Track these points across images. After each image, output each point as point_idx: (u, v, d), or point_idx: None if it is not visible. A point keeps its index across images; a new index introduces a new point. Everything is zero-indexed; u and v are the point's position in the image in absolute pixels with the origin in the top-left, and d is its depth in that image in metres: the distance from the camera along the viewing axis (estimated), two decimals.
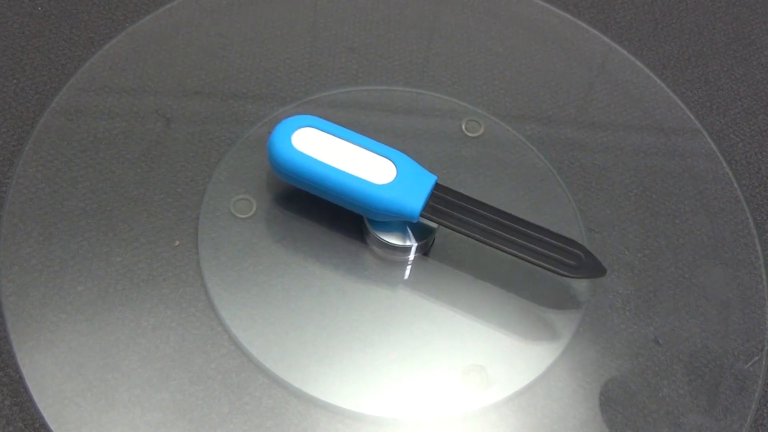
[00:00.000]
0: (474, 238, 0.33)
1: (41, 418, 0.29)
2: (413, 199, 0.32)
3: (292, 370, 0.31)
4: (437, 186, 0.33)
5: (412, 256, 0.35)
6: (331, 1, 0.44)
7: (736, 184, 0.40)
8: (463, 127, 0.39)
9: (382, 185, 0.32)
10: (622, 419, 0.32)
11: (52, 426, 0.29)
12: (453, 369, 0.32)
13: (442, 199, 0.33)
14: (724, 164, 0.40)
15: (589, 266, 0.33)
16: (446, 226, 0.33)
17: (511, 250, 0.32)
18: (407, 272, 0.35)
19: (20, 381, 0.30)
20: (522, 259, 0.32)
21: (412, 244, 0.34)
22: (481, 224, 0.33)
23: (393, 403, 0.31)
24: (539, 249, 0.32)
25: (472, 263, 0.35)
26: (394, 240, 0.34)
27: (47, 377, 0.30)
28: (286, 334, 0.32)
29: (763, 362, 0.34)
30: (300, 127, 0.33)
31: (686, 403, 0.33)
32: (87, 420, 0.29)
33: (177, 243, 0.34)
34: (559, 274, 0.32)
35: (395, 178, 0.33)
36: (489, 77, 0.42)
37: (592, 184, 0.38)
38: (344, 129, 0.34)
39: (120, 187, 0.35)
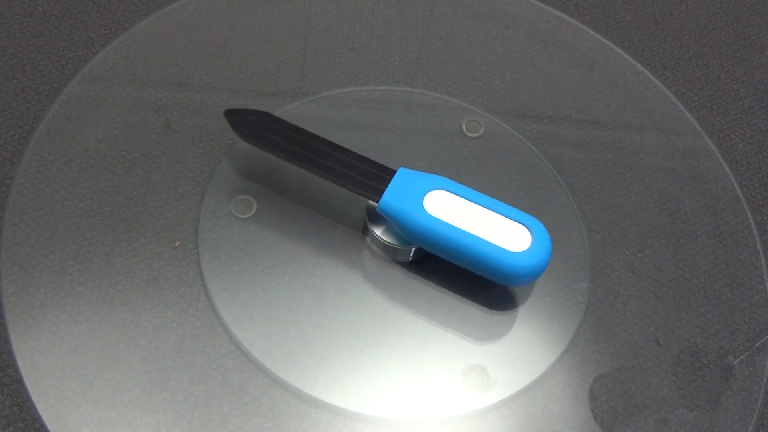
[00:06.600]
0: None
1: (41, 418, 0.29)
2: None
3: (292, 370, 0.31)
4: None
5: (412, 256, 0.35)
6: (332, 1, 0.44)
7: (736, 185, 0.40)
8: (463, 127, 0.39)
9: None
10: (621, 419, 0.32)
11: (52, 427, 0.29)
12: (453, 369, 0.32)
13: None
14: (724, 164, 0.40)
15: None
16: None
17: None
18: (407, 272, 0.35)
19: (20, 381, 0.30)
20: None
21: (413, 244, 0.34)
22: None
23: (393, 403, 0.31)
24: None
25: None
26: (394, 240, 0.34)
27: (47, 378, 0.30)
28: (286, 334, 0.32)
29: (766, 362, 0.34)
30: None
31: (686, 404, 0.33)
32: (87, 420, 0.29)
33: (177, 243, 0.34)
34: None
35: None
36: (489, 77, 0.42)
37: (592, 184, 0.38)
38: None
39: (120, 187, 0.35)
